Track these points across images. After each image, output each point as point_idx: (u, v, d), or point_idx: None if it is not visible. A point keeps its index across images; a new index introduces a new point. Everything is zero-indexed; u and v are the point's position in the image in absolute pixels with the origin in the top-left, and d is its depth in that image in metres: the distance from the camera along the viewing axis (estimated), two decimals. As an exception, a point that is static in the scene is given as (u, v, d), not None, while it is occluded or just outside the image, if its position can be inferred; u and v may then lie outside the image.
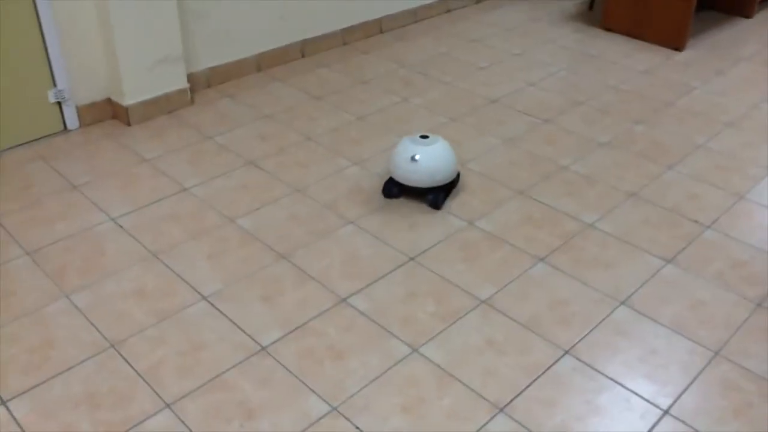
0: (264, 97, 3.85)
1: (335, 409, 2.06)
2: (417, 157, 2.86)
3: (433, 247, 2.73)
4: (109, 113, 3.59)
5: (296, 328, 2.34)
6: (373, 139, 3.46)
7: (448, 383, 2.15)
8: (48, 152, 3.30)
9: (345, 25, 4.48)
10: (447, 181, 2.95)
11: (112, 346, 2.27)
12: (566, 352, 2.27)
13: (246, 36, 4.00)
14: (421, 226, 2.84)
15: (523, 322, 2.38)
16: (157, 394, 2.10)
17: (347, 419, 2.03)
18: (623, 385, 2.15)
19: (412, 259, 2.67)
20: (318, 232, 2.80)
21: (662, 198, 3.04)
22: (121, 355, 2.23)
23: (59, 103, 3.40)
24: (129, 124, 3.53)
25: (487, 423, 2.02)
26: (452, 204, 2.97)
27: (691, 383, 2.16)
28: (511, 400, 2.09)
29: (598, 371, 2.20)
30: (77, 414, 2.03)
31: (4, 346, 2.25)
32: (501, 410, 2.06)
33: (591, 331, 2.35)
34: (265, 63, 4.15)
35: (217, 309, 2.42)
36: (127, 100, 3.49)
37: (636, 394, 2.13)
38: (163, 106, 3.63)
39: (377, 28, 4.68)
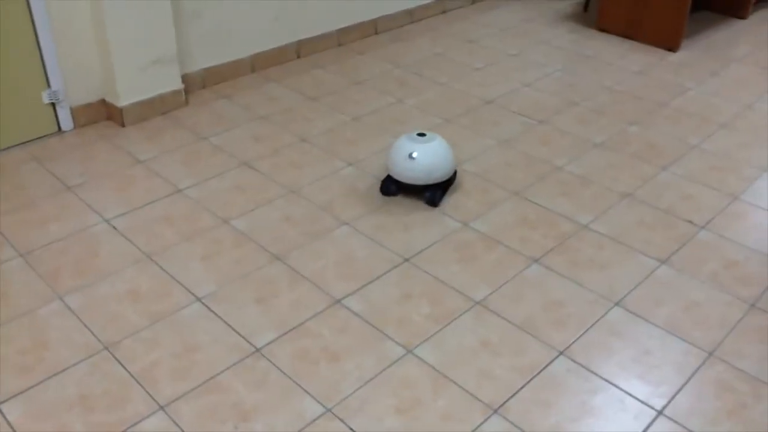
0: (259, 97, 3.85)
1: (330, 410, 2.06)
2: (414, 154, 2.88)
3: (428, 248, 2.73)
4: (103, 114, 3.58)
5: (291, 330, 2.34)
6: (368, 140, 3.46)
7: (443, 384, 2.15)
8: (42, 153, 3.29)
9: (340, 26, 4.48)
10: (444, 179, 2.96)
11: (106, 348, 2.26)
12: (561, 353, 2.27)
13: (241, 36, 4.00)
14: (416, 227, 2.84)
15: (518, 324, 2.38)
16: (151, 396, 2.09)
17: (342, 421, 2.02)
18: (617, 386, 2.15)
19: (406, 260, 2.67)
20: (313, 233, 2.80)
21: (657, 199, 3.05)
22: (115, 357, 2.22)
23: (53, 104, 3.40)
24: (123, 125, 3.52)
25: (481, 424, 2.02)
26: (447, 205, 2.97)
27: (685, 384, 2.17)
28: (506, 401, 2.09)
29: (593, 372, 2.20)
30: (71, 416, 2.02)
31: (-3, 348, 2.25)
32: (495, 411, 2.06)
33: (585, 332, 2.35)
34: (260, 64, 4.14)
35: (212, 310, 2.41)
36: (122, 101, 3.48)
37: (630, 394, 2.13)
38: (157, 107, 3.62)
39: (372, 28, 4.68)
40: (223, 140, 3.43)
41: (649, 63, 4.36)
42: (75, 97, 3.46)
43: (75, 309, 2.41)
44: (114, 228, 2.81)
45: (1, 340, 2.28)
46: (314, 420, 2.02)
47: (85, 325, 2.34)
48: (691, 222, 2.91)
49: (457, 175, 3.12)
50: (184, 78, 3.75)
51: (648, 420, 2.05)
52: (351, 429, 2.00)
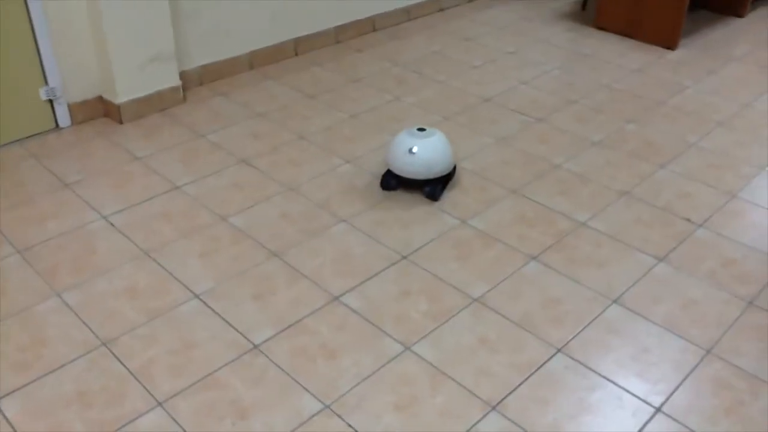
0: (257, 95, 3.84)
1: (328, 407, 2.06)
2: (414, 149, 2.88)
3: (426, 245, 2.73)
4: (101, 111, 3.58)
5: (289, 327, 2.34)
6: (366, 138, 3.46)
7: (441, 381, 2.15)
8: (40, 150, 3.28)
9: (338, 23, 4.47)
10: (444, 173, 2.98)
11: (104, 344, 2.26)
12: (559, 351, 2.27)
13: (239, 34, 3.99)
14: (414, 224, 2.84)
15: (516, 321, 2.38)
16: (149, 392, 2.09)
17: (340, 417, 2.02)
18: (615, 383, 2.16)
19: (405, 257, 2.66)
20: (311, 231, 2.80)
21: (655, 197, 3.05)
22: (113, 354, 2.22)
23: (51, 101, 3.39)
24: (121, 122, 3.52)
25: (479, 421, 2.02)
26: (445, 202, 2.97)
27: (683, 381, 2.17)
28: (504, 398, 2.09)
29: (591, 369, 2.20)
30: (69, 412, 2.02)
31: (-6, 345, 2.25)
32: (493, 408, 2.06)
33: (583, 329, 2.36)
34: (257, 61, 4.14)
35: (209, 307, 2.41)
36: (120, 98, 3.48)
37: (628, 392, 2.13)
38: (155, 104, 3.62)
39: (370, 26, 4.67)
40: (221, 137, 3.42)
41: (648, 61, 4.36)
42: (73, 94, 3.45)
43: (73, 306, 2.40)
44: (112, 225, 2.81)
45: (-2, 336, 2.28)
46: (312, 417, 2.02)
47: (83, 322, 2.34)
48: (688, 220, 2.91)
49: (456, 172, 3.12)
50: (182, 75, 3.74)
51: (646, 417, 2.05)
52: (349, 425, 2.00)
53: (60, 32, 3.28)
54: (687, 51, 4.52)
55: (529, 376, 2.17)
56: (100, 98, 3.55)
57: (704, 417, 2.05)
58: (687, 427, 2.02)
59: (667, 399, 2.11)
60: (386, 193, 3.03)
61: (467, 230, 2.82)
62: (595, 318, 2.40)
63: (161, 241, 2.72)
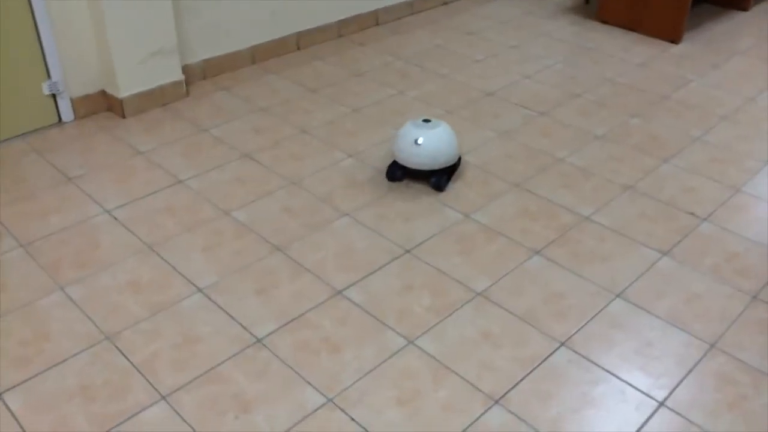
0: (259, 89, 3.84)
1: (331, 401, 2.06)
2: (420, 140, 2.89)
3: (429, 239, 2.73)
4: (103, 105, 3.57)
5: (291, 320, 2.34)
6: (368, 132, 3.45)
7: (444, 375, 2.15)
8: (42, 144, 3.28)
9: (340, 18, 4.46)
10: (449, 164, 3.00)
11: (107, 338, 2.26)
12: (562, 345, 2.27)
13: (241, 28, 3.99)
14: (417, 218, 2.84)
15: (519, 315, 2.38)
16: (152, 386, 2.09)
17: (342, 411, 2.02)
18: (619, 377, 2.15)
19: (407, 251, 2.66)
20: (313, 225, 2.79)
21: (658, 191, 3.04)
22: (116, 348, 2.22)
23: (54, 96, 3.39)
24: (124, 117, 3.51)
25: (482, 415, 2.02)
26: (448, 196, 2.97)
27: (687, 375, 2.17)
28: (507, 392, 2.09)
29: (594, 363, 2.20)
30: (72, 406, 2.02)
31: (-2, 339, 2.25)
32: (496, 402, 2.06)
33: (587, 323, 2.35)
34: (260, 55, 4.13)
35: (212, 301, 2.41)
36: (122, 93, 3.47)
37: (631, 386, 2.13)
38: (157, 99, 3.61)
39: (373, 20, 4.66)
40: (224, 132, 3.42)
41: (651, 55, 4.35)
42: (75, 89, 3.45)
43: (76, 300, 2.41)
44: (115, 219, 2.81)
45: (1, 331, 2.28)
46: (315, 410, 2.03)
47: (87, 316, 2.34)
48: (692, 214, 2.90)
49: (461, 163, 3.12)
50: (185, 69, 3.74)
51: (649, 411, 2.05)
52: (352, 419, 2.00)
53: (62, 26, 3.28)
54: (691, 45, 4.51)
55: (532, 370, 2.17)
56: (103, 93, 3.55)
57: (707, 411, 2.05)
58: (690, 421, 2.02)
59: (671, 393, 2.11)
60: (389, 187, 3.03)
61: (470, 224, 2.81)
62: (599, 312, 2.40)
63: (164, 235, 2.72)
